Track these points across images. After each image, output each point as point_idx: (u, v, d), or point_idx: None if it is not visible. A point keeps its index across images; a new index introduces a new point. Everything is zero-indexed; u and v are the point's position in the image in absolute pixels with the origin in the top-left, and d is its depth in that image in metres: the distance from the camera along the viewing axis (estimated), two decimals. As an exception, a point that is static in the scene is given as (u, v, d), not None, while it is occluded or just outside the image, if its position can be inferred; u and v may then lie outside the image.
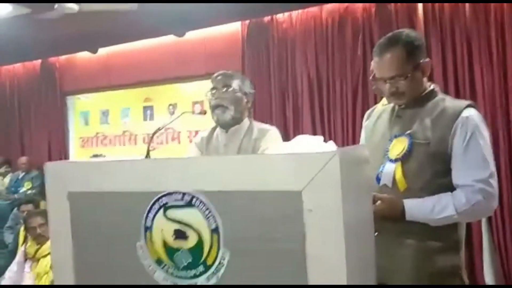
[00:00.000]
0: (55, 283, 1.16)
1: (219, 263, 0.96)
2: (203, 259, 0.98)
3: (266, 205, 0.91)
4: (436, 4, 3.52)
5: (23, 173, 5.77)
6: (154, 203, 1.02)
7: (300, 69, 4.14)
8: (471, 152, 1.36)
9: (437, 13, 3.50)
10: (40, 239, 3.20)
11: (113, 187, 1.06)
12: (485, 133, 1.41)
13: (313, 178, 0.85)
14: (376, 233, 1.19)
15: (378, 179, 1.49)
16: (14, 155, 6.08)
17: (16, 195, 5.46)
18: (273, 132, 1.85)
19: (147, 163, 1.10)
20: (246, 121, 1.86)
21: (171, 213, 1.01)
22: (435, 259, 1.41)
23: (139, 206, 1.03)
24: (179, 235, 1.00)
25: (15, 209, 4.80)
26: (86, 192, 1.10)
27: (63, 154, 5.76)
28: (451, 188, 1.40)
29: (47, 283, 3.08)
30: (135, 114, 5.31)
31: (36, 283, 3.12)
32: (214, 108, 1.85)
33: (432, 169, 1.40)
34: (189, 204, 0.99)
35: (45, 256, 3.17)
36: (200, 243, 0.98)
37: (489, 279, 3.25)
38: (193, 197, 0.98)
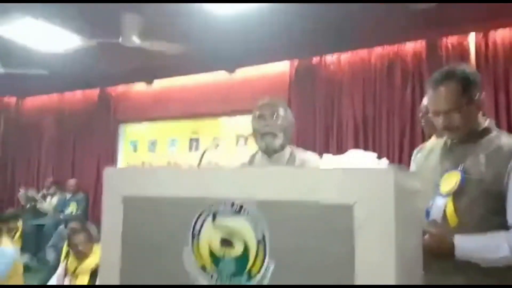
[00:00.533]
0: (101, 282, 1.19)
1: (263, 274, 0.96)
2: (247, 268, 0.98)
3: (315, 217, 0.91)
4: (490, 50, 3.48)
5: (70, 195, 6.03)
6: (204, 210, 1.04)
7: (346, 110, 4.17)
8: None
9: (490, 59, 3.45)
10: (81, 256, 3.29)
11: (166, 193, 1.10)
12: None
13: (366, 193, 0.85)
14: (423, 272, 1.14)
15: (427, 214, 1.44)
16: (64, 177, 6.39)
17: (61, 216, 5.68)
18: (314, 160, 1.86)
19: (200, 172, 1.14)
20: (287, 148, 1.90)
21: (220, 220, 1.02)
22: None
23: (189, 213, 1.06)
24: (226, 243, 1.01)
25: (60, 227, 4.99)
26: (139, 197, 1.14)
27: (110, 179, 5.97)
28: (505, 227, 1.33)
29: (84, 300, 3.13)
30: (181, 145, 5.49)
31: (73, 299, 3.18)
32: (263, 135, 1.89)
33: (485, 206, 1.35)
34: (238, 213, 1.00)
35: (84, 273, 3.24)
36: (245, 253, 0.98)
37: None
38: (242, 206, 1.00)
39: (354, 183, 0.87)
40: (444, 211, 1.39)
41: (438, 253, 1.32)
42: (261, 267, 0.96)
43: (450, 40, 3.72)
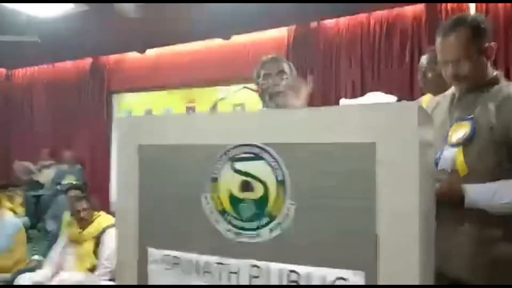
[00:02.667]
0: (117, 230, 1.20)
1: (284, 215, 0.97)
2: (268, 210, 0.99)
3: (336, 158, 0.92)
4: (489, 17, 3.46)
5: (66, 167, 5.99)
6: (222, 155, 1.04)
7: (344, 75, 4.15)
8: None
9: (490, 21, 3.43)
10: (83, 223, 3.31)
11: (183, 140, 1.10)
12: None
13: (390, 129, 0.85)
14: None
15: (436, 164, 1.46)
16: (60, 149, 6.34)
17: (58, 187, 5.66)
18: None
19: (217, 117, 1.13)
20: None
21: (239, 165, 1.03)
22: (493, 248, 1.36)
23: (207, 158, 1.06)
24: (246, 186, 1.02)
25: (59, 197, 4.98)
26: (155, 145, 1.14)
27: (106, 150, 5.95)
28: (514, 175, 1.35)
29: (88, 266, 3.18)
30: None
31: (78, 265, 3.22)
32: (272, 95, 1.86)
33: (495, 155, 1.36)
34: (257, 157, 1.00)
35: (87, 240, 3.27)
36: (266, 195, 0.99)
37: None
38: (261, 149, 1.00)
39: (377, 119, 0.87)
40: (454, 160, 1.41)
41: (448, 200, 1.34)
42: (281, 208, 0.98)
43: (450, 5, 3.68)
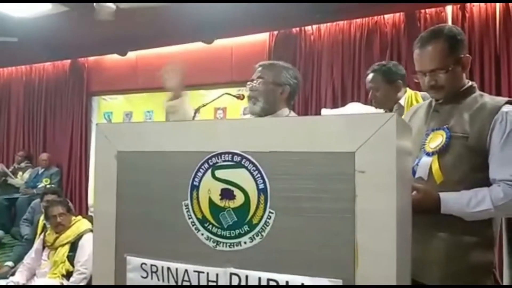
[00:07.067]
0: (95, 237, 1.18)
1: (265, 223, 0.98)
2: (248, 218, 0.99)
3: (316, 166, 0.93)
4: (466, 23, 3.56)
5: (43, 169, 5.87)
6: (203, 163, 1.04)
7: (325, 80, 4.18)
8: (509, 147, 1.36)
9: (466, 30, 3.52)
10: (59, 228, 3.25)
11: (163, 147, 1.09)
12: None
13: (368, 139, 0.87)
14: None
15: (413, 172, 1.49)
16: (36, 151, 6.20)
17: (34, 190, 5.54)
18: None
19: (198, 125, 1.13)
20: (284, 111, 1.82)
21: (220, 173, 1.03)
22: (468, 254, 1.39)
23: (187, 166, 1.06)
24: (226, 194, 1.02)
25: (34, 201, 4.87)
26: (135, 152, 1.13)
27: (84, 153, 5.85)
28: (488, 183, 1.39)
29: (63, 272, 3.12)
30: (158, 117, 5.39)
31: (53, 270, 3.15)
32: (248, 99, 1.90)
33: (470, 163, 1.40)
34: (239, 165, 1.01)
35: (63, 245, 3.21)
36: (246, 203, 0.99)
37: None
38: (242, 157, 1.00)
39: (356, 129, 0.88)
40: (430, 168, 1.44)
41: (425, 208, 1.37)
42: (262, 216, 0.98)
43: (428, 12, 3.77)
